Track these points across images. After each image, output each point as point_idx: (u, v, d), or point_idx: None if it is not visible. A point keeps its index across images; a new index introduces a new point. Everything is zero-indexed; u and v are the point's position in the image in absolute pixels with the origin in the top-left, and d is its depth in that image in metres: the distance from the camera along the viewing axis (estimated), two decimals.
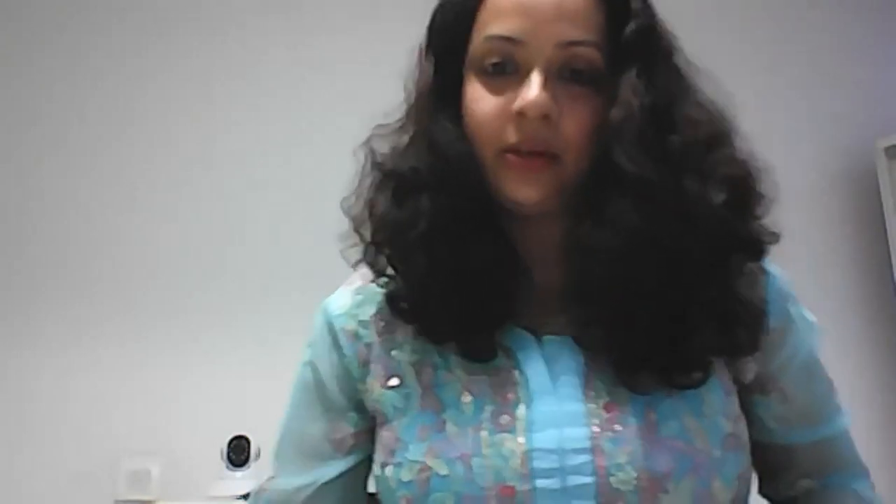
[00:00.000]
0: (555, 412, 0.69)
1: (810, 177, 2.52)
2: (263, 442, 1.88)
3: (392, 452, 0.74)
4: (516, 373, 0.72)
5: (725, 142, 0.72)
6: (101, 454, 2.10)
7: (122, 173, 2.30)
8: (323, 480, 0.80)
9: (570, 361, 0.72)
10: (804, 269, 2.45)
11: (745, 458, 0.74)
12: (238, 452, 1.94)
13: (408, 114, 0.76)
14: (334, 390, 0.80)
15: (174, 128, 2.34)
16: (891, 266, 2.39)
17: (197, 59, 2.39)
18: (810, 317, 0.82)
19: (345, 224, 0.77)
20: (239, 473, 1.96)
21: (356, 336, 0.80)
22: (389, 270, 0.76)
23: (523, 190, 0.70)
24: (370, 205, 0.75)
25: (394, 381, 0.76)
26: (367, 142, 0.77)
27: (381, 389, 0.77)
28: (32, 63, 2.35)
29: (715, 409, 0.71)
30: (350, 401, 0.80)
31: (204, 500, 1.93)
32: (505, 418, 0.70)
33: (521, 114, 0.68)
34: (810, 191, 2.50)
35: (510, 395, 0.71)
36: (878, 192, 2.43)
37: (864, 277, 2.52)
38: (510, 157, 0.70)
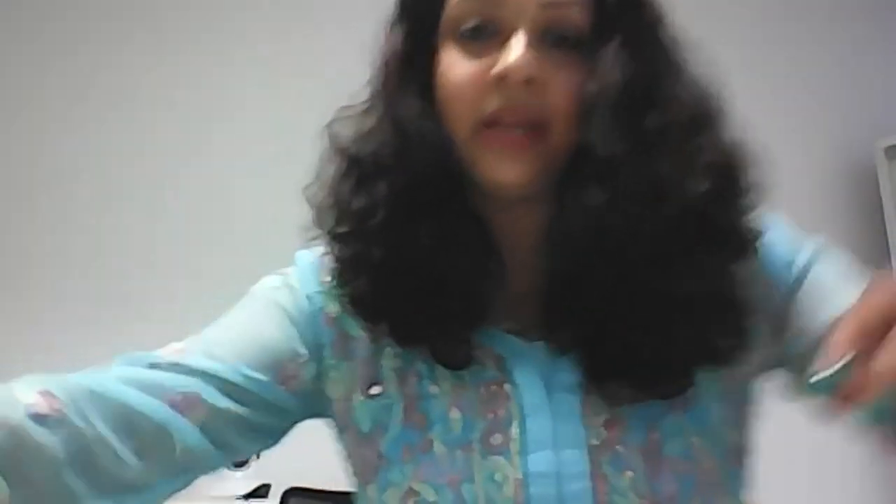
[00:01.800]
0: (551, 431, 0.63)
1: (810, 177, 2.51)
2: None
3: (375, 470, 0.67)
4: (508, 385, 0.65)
5: (711, 125, 0.64)
6: None
7: (121, 169, 2.30)
8: (269, 398, 0.67)
9: (566, 374, 0.64)
10: None
11: (749, 465, 0.69)
12: None
13: (373, 93, 0.68)
14: (306, 333, 0.69)
15: (173, 125, 2.33)
16: (891, 266, 2.39)
17: (195, 57, 2.38)
18: (813, 245, 0.70)
19: None
20: (239, 473, 1.95)
21: (338, 323, 0.70)
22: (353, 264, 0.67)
23: (503, 169, 0.61)
24: (333, 193, 0.68)
25: (375, 390, 0.68)
26: (330, 125, 0.69)
27: (360, 397, 0.68)
28: (33, 52, 2.34)
29: (720, 419, 0.66)
30: (316, 360, 0.69)
31: (204, 500, 1.92)
32: (497, 437, 0.63)
33: (502, 78, 0.60)
34: (810, 191, 2.50)
35: (501, 411, 0.64)
36: (878, 192, 2.43)
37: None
38: (489, 133, 0.61)
